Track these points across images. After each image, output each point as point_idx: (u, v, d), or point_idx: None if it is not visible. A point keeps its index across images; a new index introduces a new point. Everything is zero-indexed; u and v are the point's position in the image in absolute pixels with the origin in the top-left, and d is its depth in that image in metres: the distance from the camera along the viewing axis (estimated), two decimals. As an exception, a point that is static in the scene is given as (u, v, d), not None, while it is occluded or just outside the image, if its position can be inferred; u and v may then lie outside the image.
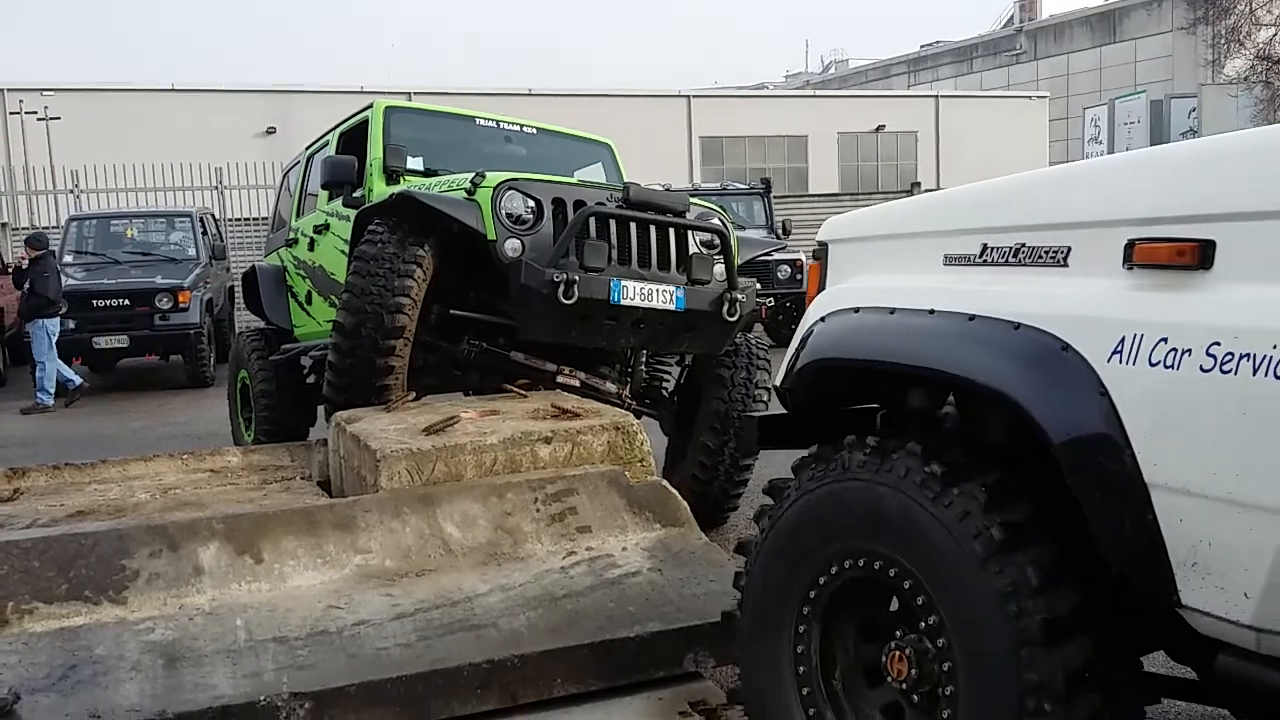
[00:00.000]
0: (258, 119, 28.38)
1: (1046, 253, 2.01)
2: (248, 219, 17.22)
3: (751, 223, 14.85)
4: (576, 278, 4.55)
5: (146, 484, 5.02)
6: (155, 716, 2.76)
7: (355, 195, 5.88)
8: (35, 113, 26.28)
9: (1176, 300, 1.72)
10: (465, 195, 4.79)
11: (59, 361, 11.18)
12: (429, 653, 3.11)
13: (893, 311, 2.27)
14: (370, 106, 6.26)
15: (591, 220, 4.76)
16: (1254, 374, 1.56)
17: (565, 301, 4.53)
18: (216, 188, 17.60)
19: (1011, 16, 50.99)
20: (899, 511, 2.09)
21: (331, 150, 6.67)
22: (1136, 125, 30.48)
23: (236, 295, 13.67)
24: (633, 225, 4.89)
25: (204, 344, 12.54)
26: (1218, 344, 1.62)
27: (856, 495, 2.21)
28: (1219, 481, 1.61)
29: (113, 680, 2.89)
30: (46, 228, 16.02)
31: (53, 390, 11.09)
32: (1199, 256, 1.70)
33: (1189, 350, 1.66)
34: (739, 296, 5.02)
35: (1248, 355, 1.57)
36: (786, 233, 14.32)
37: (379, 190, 5.67)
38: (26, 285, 11.15)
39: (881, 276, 2.46)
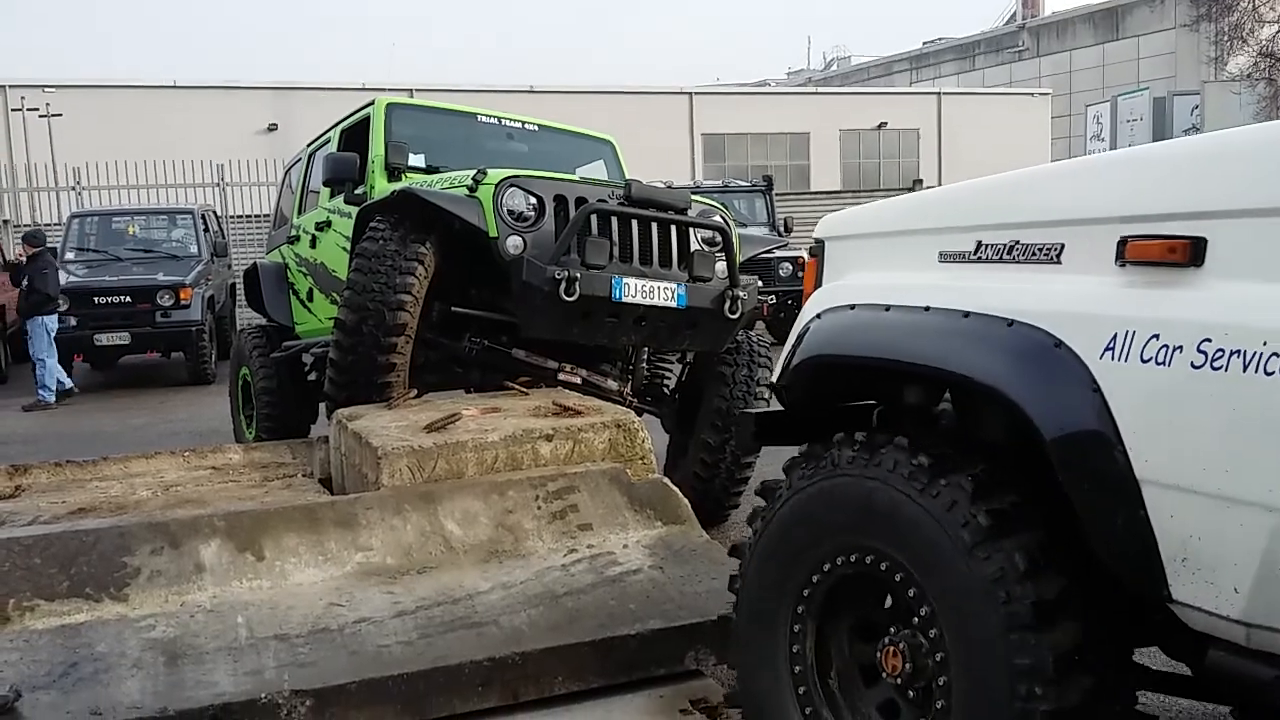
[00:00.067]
0: (259, 116, 28.38)
1: (1040, 250, 2.02)
2: (249, 216, 17.23)
3: (753, 220, 14.85)
4: (578, 275, 4.55)
5: (148, 481, 5.02)
6: (156, 714, 2.76)
7: (357, 192, 5.87)
8: (37, 109, 26.28)
9: (1168, 297, 1.74)
10: (467, 192, 4.79)
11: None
12: (430, 650, 3.11)
13: (888, 308, 2.29)
14: (372, 103, 6.26)
15: (593, 217, 4.75)
16: (1244, 370, 1.57)
17: (567, 299, 4.53)
18: (218, 185, 17.60)
19: (1014, 13, 50.96)
20: (888, 505, 2.11)
21: (333, 147, 6.67)
22: (1139, 123, 30.43)
23: (238, 292, 13.69)
24: (634, 222, 4.89)
25: (205, 341, 12.53)
26: (1208, 341, 1.63)
27: (847, 491, 2.23)
28: (1209, 477, 1.62)
29: (114, 677, 2.90)
30: (48, 225, 16.04)
31: (54, 387, 11.10)
32: (1190, 254, 1.71)
33: (1180, 347, 1.67)
34: (740, 294, 5.02)
35: (1238, 352, 1.58)
36: (788, 230, 14.30)
37: (381, 187, 5.67)
38: (24, 282, 11.14)
39: (877, 273, 2.47)
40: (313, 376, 7.01)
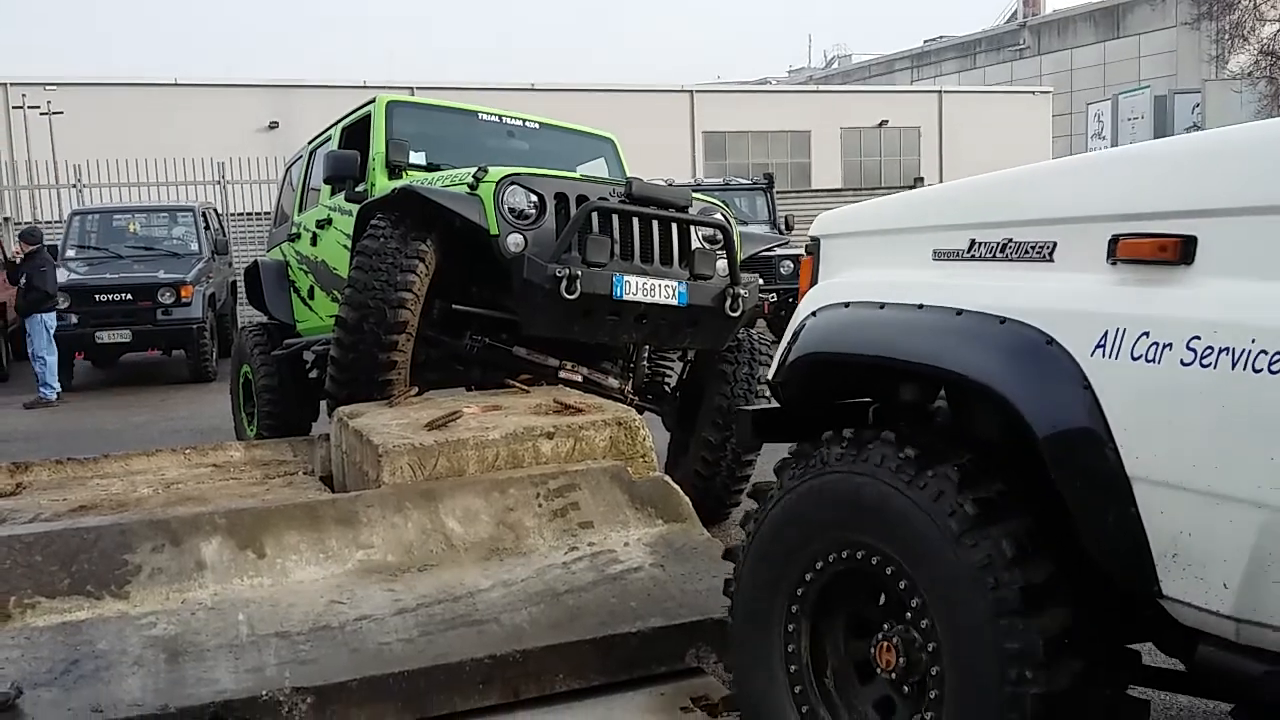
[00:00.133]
0: (260, 114, 28.38)
1: (1033, 248, 2.04)
2: (250, 214, 17.22)
3: (754, 218, 14.84)
4: (579, 273, 4.54)
5: (149, 479, 5.02)
6: (157, 711, 2.77)
7: (358, 190, 5.88)
8: (38, 107, 26.27)
9: (1158, 295, 1.75)
10: (468, 190, 4.79)
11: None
12: (431, 648, 3.11)
13: (882, 306, 2.30)
14: (373, 101, 6.25)
15: (594, 215, 4.75)
16: (1232, 368, 1.58)
17: (568, 297, 4.52)
18: (219, 182, 17.59)
19: (1015, 12, 50.91)
20: (877, 498, 2.13)
21: (334, 145, 6.67)
22: (1140, 121, 30.40)
23: (239, 290, 13.68)
24: (635, 220, 4.88)
25: (206, 339, 12.53)
26: (1198, 338, 1.64)
27: (836, 487, 2.25)
28: (1199, 474, 1.64)
29: (115, 675, 2.90)
30: (49, 223, 16.04)
31: (55, 384, 11.09)
32: (1180, 252, 1.73)
33: (1170, 344, 1.68)
34: (741, 292, 5.02)
35: (1227, 349, 1.60)
36: (789, 228, 14.28)
37: (381, 185, 5.66)
38: (22, 280, 11.13)
39: (872, 271, 2.48)
40: (314, 374, 7.00)
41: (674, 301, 4.86)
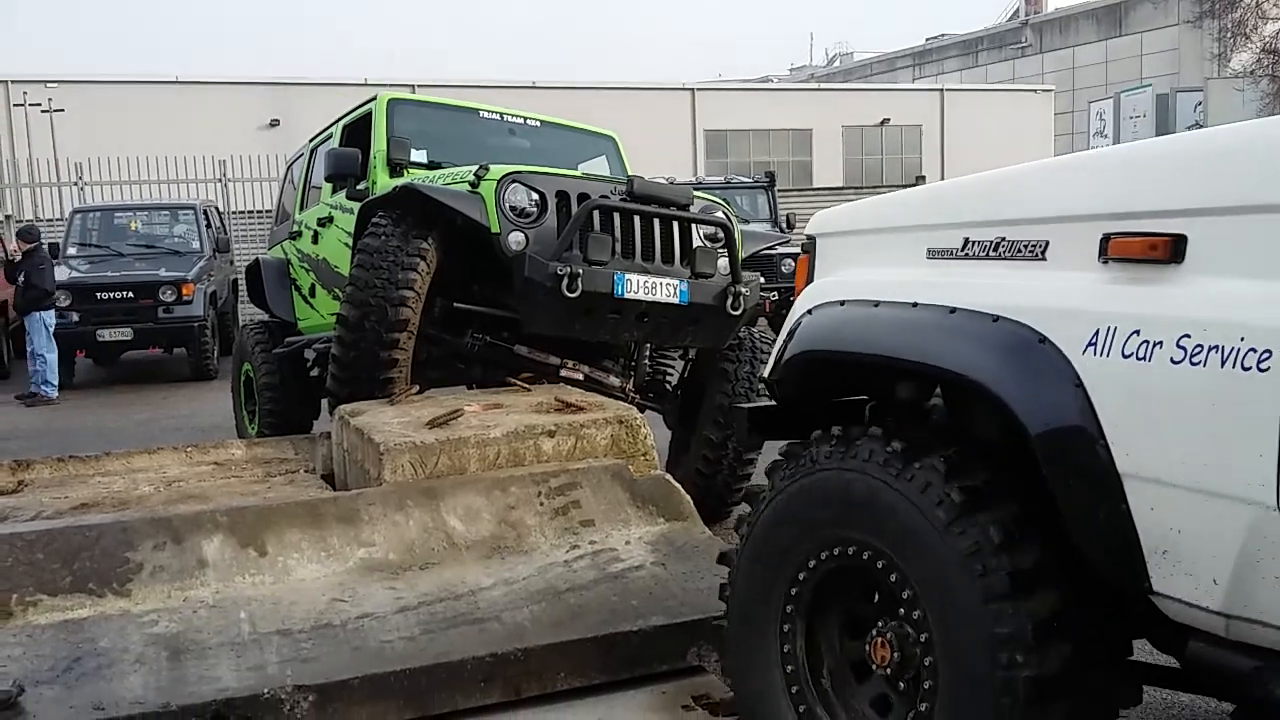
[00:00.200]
0: (261, 112, 28.39)
1: (1025, 246, 2.05)
2: (251, 212, 17.24)
3: (755, 216, 14.84)
4: (580, 271, 4.54)
5: (150, 476, 5.02)
6: (159, 709, 2.77)
7: (359, 188, 5.88)
8: (39, 105, 26.30)
9: (1149, 294, 1.76)
10: (469, 188, 4.78)
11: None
12: (432, 646, 3.11)
13: (877, 304, 2.32)
14: (374, 99, 6.25)
15: (595, 213, 4.75)
16: (1222, 366, 1.60)
17: (569, 295, 4.52)
18: (220, 180, 17.60)
19: (1017, 10, 50.81)
20: (866, 493, 2.15)
21: (335, 143, 6.67)
22: (1142, 119, 30.39)
23: (240, 288, 13.69)
24: (637, 218, 4.88)
25: (208, 337, 12.54)
26: (1188, 336, 1.65)
27: (826, 485, 2.27)
28: (1189, 471, 1.65)
29: (117, 672, 2.90)
30: (50, 220, 16.05)
31: (56, 382, 11.09)
32: (1171, 251, 1.74)
33: (1160, 342, 1.69)
34: (743, 290, 5.02)
35: (1216, 347, 1.61)
36: (791, 226, 14.29)
37: (383, 183, 5.66)
38: (21, 278, 11.12)
39: (867, 270, 2.50)
40: (315, 372, 7.01)
41: (675, 300, 4.86)
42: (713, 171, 28.43)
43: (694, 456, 5.40)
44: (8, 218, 16.98)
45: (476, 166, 4.87)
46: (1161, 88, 32.82)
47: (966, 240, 2.19)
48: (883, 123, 36.53)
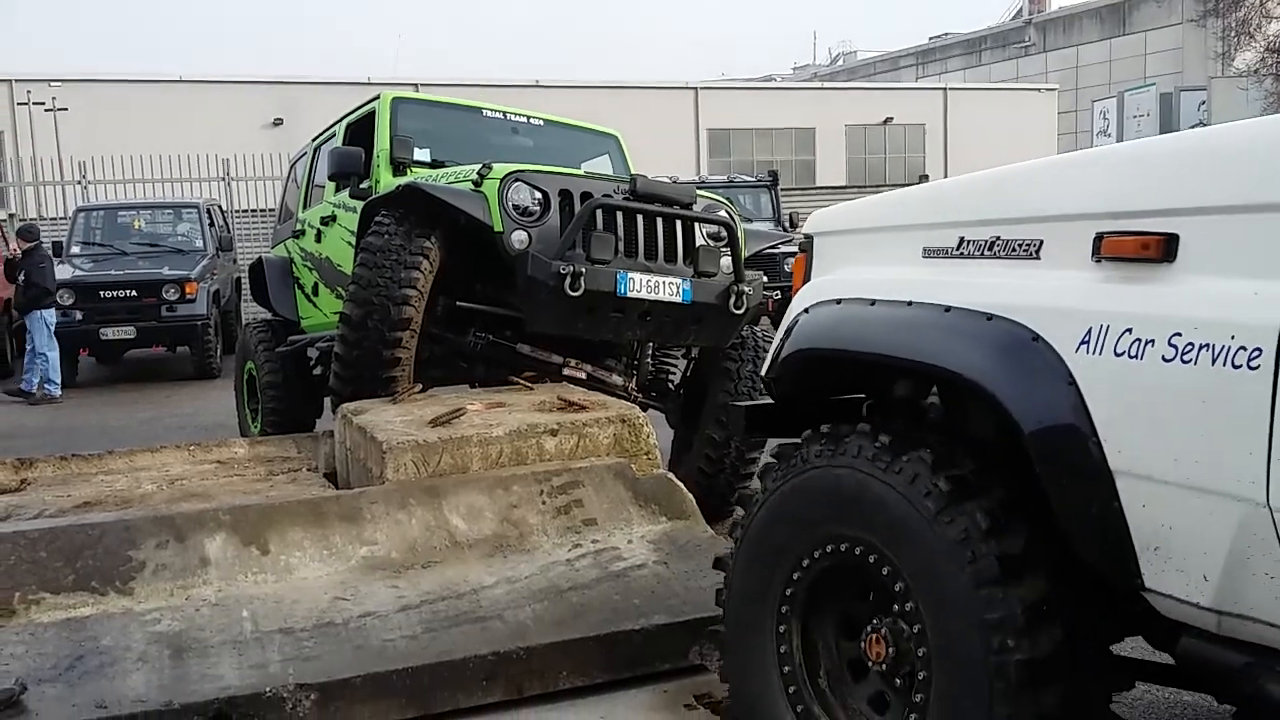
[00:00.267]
0: (265, 110, 28.40)
1: (1020, 245, 2.06)
2: (255, 210, 17.24)
3: (758, 215, 14.84)
4: (583, 270, 4.54)
5: (153, 475, 5.03)
6: (161, 707, 2.77)
7: (362, 187, 5.88)
8: (43, 104, 26.31)
9: (1141, 292, 1.77)
10: (472, 187, 4.79)
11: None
12: (435, 644, 3.11)
13: (873, 303, 2.33)
14: (377, 98, 6.25)
15: (598, 212, 4.75)
16: (1213, 364, 1.61)
17: (572, 293, 4.52)
18: (223, 179, 17.61)
19: (1020, 8, 50.76)
20: (856, 488, 2.18)
21: (338, 142, 6.67)
22: (1146, 118, 30.36)
23: (243, 287, 13.69)
24: (640, 217, 4.88)
25: (211, 335, 12.54)
26: (1179, 335, 1.67)
27: (817, 483, 2.30)
28: (1180, 468, 1.66)
29: (119, 671, 2.90)
30: (53, 219, 16.07)
31: (59, 380, 11.10)
32: (1163, 250, 1.75)
33: (1152, 341, 1.70)
34: (745, 289, 5.01)
35: (1207, 346, 1.62)
36: (793, 225, 14.28)
37: (386, 182, 5.66)
38: (21, 277, 11.13)
39: (864, 269, 2.52)
40: (318, 371, 7.01)
41: (678, 299, 4.86)
42: (716, 170, 28.42)
43: (696, 455, 5.40)
44: (11, 216, 17.00)
45: (479, 165, 4.87)
46: (1165, 87, 32.79)
47: (962, 239, 2.21)
48: (886, 122, 36.50)
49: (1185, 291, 1.70)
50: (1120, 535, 1.75)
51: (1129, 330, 1.74)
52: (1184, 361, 1.65)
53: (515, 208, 4.73)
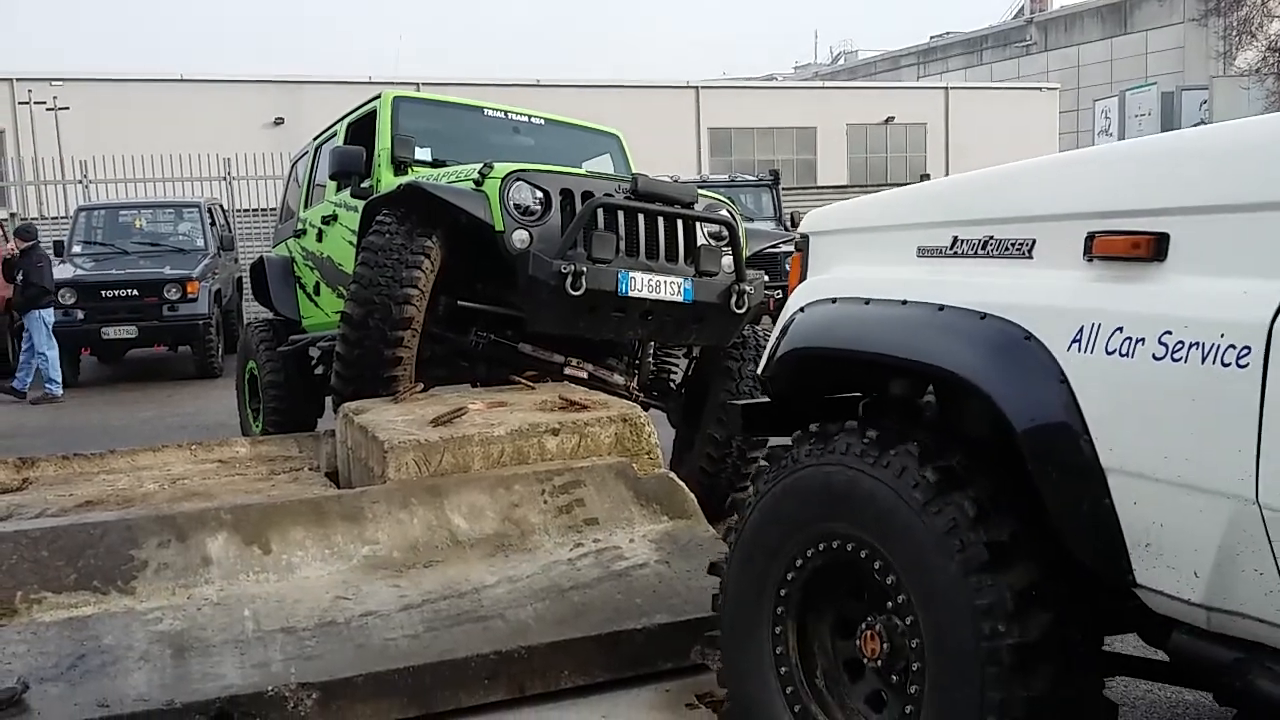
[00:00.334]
0: (266, 110, 28.41)
1: (1013, 245, 2.08)
2: (256, 210, 17.24)
3: (760, 215, 14.83)
4: (584, 269, 4.54)
5: (155, 474, 5.03)
6: (163, 706, 2.77)
7: (363, 186, 5.87)
8: (44, 103, 26.33)
9: (1132, 291, 1.78)
10: (473, 186, 4.79)
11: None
12: (436, 644, 3.11)
13: (868, 302, 2.35)
14: (378, 97, 6.25)
15: (600, 211, 4.75)
16: (1203, 362, 1.62)
17: (573, 293, 4.52)
18: (225, 178, 17.61)
19: (1022, 8, 50.75)
20: (846, 484, 2.20)
21: (339, 141, 6.67)
22: (1147, 117, 30.35)
23: (245, 286, 13.70)
24: (641, 216, 4.88)
25: (212, 335, 12.54)
26: (1169, 333, 1.68)
27: (808, 482, 2.32)
28: (1170, 465, 1.67)
29: (121, 670, 2.90)
30: (55, 218, 16.08)
31: (59, 379, 11.10)
32: (1153, 249, 1.76)
33: (1143, 339, 1.72)
34: (747, 288, 5.01)
35: (1197, 344, 1.63)
36: (795, 225, 14.27)
37: (387, 181, 5.66)
38: (20, 277, 11.13)
39: (859, 268, 2.53)
40: (319, 370, 7.02)
41: (679, 298, 4.85)
42: (717, 169, 28.43)
43: (698, 455, 5.40)
44: (12, 215, 17.00)
45: (481, 164, 4.87)
46: (1167, 86, 32.78)
47: (956, 239, 2.22)
48: (887, 121, 36.50)
49: (1175, 290, 1.71)
50: (1112, 532, 1.77)
51: (1120, 329, 1.75)
52: (1174, 360, 1.66)
53: (516, 207, 4.73)
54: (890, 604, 2.13)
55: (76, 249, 13.24)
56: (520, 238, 4.69)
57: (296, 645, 3.06)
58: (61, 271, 12.23)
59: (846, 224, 2.68)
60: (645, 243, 4.87)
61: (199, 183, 17.32)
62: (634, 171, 5.89)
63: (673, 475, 4.14)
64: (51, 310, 11.12)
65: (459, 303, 5.13)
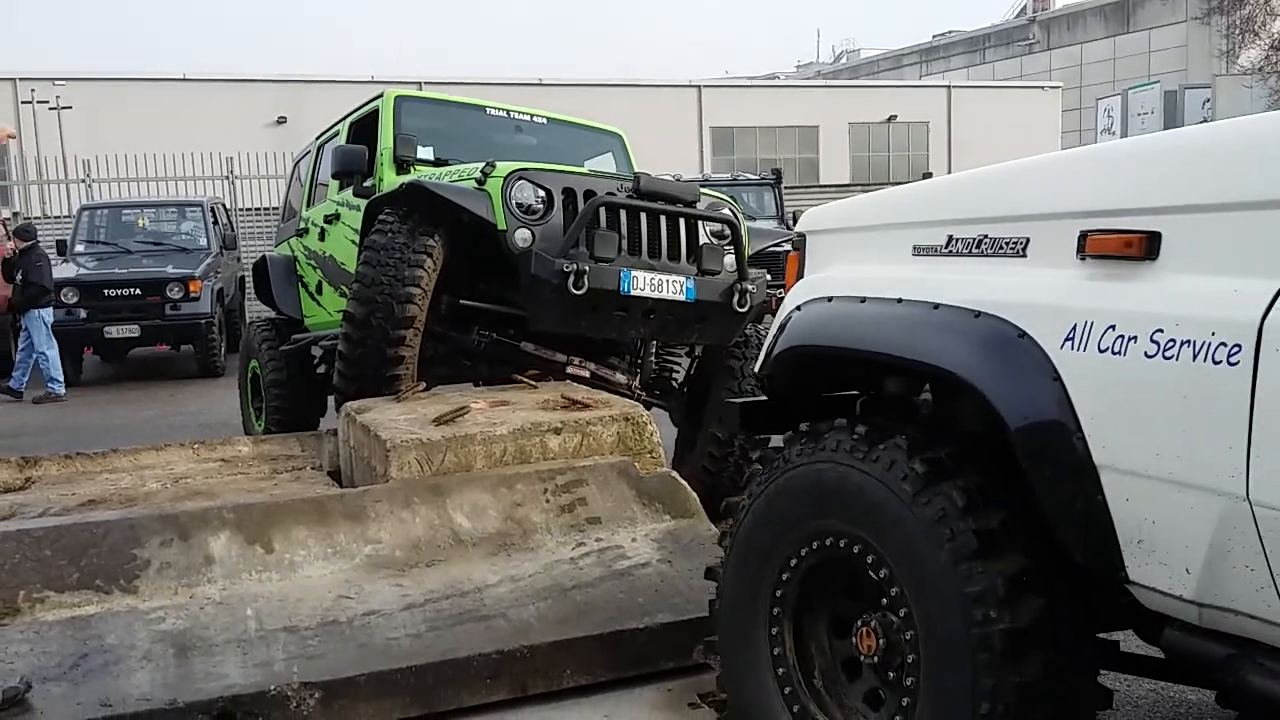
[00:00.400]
0: (268, 109, 28.42)
1: (1007, 243, 2.09)
2: (258, 209, 17.26)
3: (762, 213, 14.83)
4: (586, 268, 4.54)
5: (158, 473, 5.04)
6: (166, 705, 2.77)
7: (366, 185, 5.87)
8: (47, 102, 26.35)
9: (1124, 289, 1.80)
10: (475, 185, 4.78)
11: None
12: (439, 643, 3.11)
13: (863, 300, 2.36)
14: (381, 96, 6.25)
15: (602, 210, 4.74)
16: (1194, 360, 1.63)
17: (575, 292, 4.52)
18: (227, 177, 17.62)
19: (1024, 6, 50.72)
20: (837, 480, 2.22)
21: (342, 140, 6.67)
22: (1150, 116, 30.32)
23: (247, 285, 13.70)
24: (643, 215, 4.87)
25: (215, 334, 12.55)
26: (1161, 331, 1.69)
27: (800, 481, 2.34)
28: (1162, 462, 1.68)
29: (124, 669, 2.91)
30: (57, 218, 16.09)
31: (61, 378, 11.10)
32: (1145, 248, 1.78)
33: (1135, 337, 1.73)
34: (749, 287, 5.01)
35: (1188, 342, 1.64)
36: (797, 223, 14.28)
37: (389, 180, 5.66)
38: (18, 276, 11.13)
39: (855, 266, 2.54)
40: (322, 369, 7.02)
41: (681, 297, 4.85)
42: (719, 168, 28.42)
43: (700, 454, 5.39)
44: (15, 214, 17.01)
45: (483, 164, 4.87)
46: (1170, 84, 32.74)
47: (950, 238, 2.23)
48: (889, 119, 36.47)
49: (1167, 289, 1.73)
50: (1104, 529, 1.78)
51: (1112, 327, 1.76)
52: (1166, 358, 1.67)
53: (519, 206, 4.73)
54: (884, 600, 2.15)
55: (79, 248, 13.25)
56: (522, 236, 4.68)
57: (299, 644, 3.06)
58: (64, 270, 12.23)
59: (843, 223, 2.70)
60: (647, 242, 4.87)
61: (201, 182, 17.33)
62: (636, 170, 5.89)
63: (675, 474, 4.14)
64: (51, 310, 11.12)
65: (461, 302, 5.13)
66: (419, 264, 4.70)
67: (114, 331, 12.10)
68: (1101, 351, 1.77)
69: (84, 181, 17.33)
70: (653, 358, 5.82)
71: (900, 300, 2.23)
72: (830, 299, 2.47)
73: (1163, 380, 1.67)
